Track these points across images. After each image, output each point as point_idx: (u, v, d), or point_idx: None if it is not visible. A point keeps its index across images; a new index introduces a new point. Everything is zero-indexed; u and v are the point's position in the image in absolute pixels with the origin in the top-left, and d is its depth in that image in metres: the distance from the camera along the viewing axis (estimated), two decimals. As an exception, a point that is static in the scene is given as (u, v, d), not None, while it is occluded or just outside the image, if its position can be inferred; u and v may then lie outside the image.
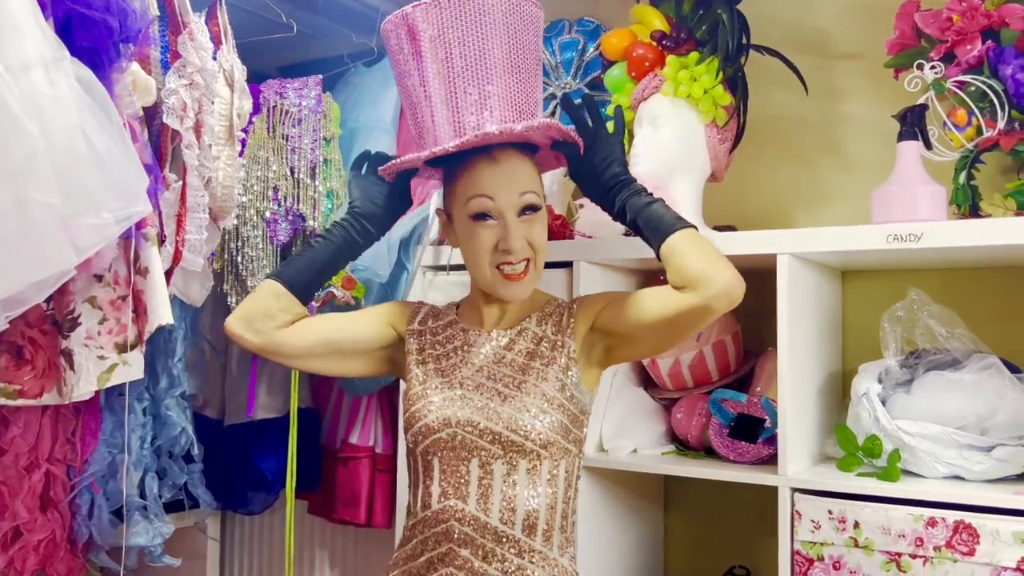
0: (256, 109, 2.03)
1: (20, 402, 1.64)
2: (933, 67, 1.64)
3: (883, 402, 1.65)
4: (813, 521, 1.59)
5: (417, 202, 2.05)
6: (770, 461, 1.72)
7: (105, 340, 1.63)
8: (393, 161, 1.48)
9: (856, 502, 1.56)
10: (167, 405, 2.02)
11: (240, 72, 1.85)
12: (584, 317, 1.43)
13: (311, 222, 2.06)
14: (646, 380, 2.03)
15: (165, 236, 1.71)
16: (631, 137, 1.89)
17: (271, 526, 2.56)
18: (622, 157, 1.44)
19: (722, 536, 2.08)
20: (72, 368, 1.62)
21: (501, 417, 1.35)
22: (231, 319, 1.46)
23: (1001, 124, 1.60)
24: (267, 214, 2.07)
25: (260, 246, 2.07)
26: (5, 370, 1.63)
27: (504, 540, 1.34)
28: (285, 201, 2.07)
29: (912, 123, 1.65)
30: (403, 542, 1.43)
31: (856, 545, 1.55)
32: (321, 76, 2.14)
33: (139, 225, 1.61)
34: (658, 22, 1.90)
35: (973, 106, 1.61)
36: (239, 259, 2.07)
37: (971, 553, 1.46)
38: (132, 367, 1.66)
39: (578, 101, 1.47)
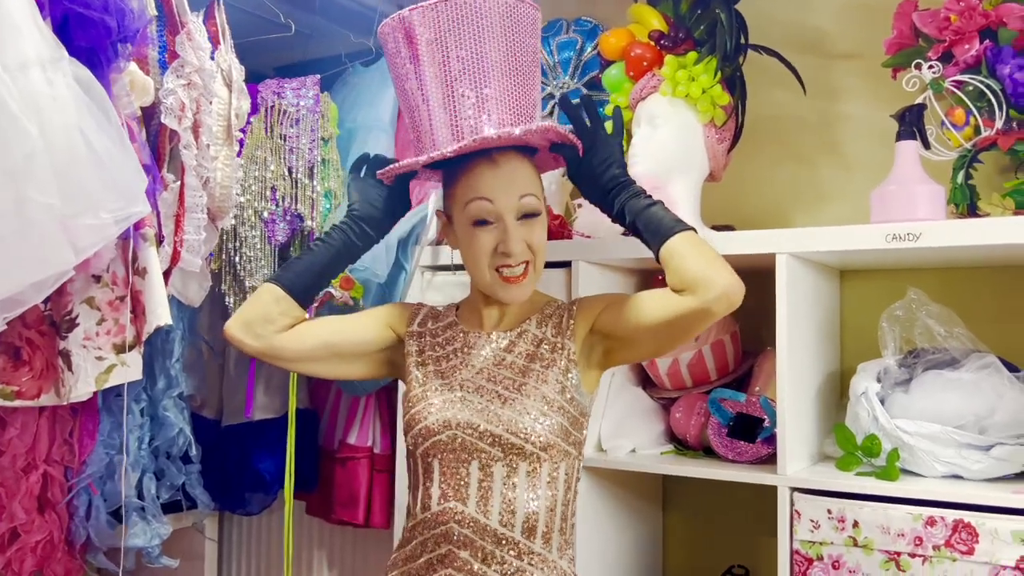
0: (254, 109, 2.03)
1: (18, 403, 1.64)
2: (931, 67, 1.64)
3: (882, 401, 1.65)
4: (812, 520, 1.59)
5: (415, 202, 2.04)
6: (769, 460, 1.72)
7: (103, 341, 1.63)
8: (392, 165, 1.47)
9: (855, 501, 1.56)
10: (165, 406, 2.02)
11: (238, 72, 1.84)
12: (584, 319, 1.43)
13: (309, 222, 2.06)
14: (645, 380, 2.03)
15: (163, 236, 1.71)
16: (629, 137, 1.89)
17: (269, 527, 2.56)
18: (621, 158, 1.44)
19: (721, 536, 2.08)
20: (70, 369, 1.62)
21: (501, 419, 1.35)
22: (230, 323, 1.45)
23: (999, 123, 1.60)
24: (265, 214, 2.06)
25: (258, 246, 2.07)
26: (3, 371, 1.62)
27: (503, 542, 1.34)
28: (283, 201, 2.07)
29: (910, 123, 1.65)
30: (402, 543, 1.43)
31: (855, 544, 1.55)
32: (319, 76, 2.14)
33: (137, 225, 1.60)
34: (656, 22, 1.90)
35: (971, 105, 1.62)
36: (237, 259, 2.07)
37: (970, 552, 1.46)
38: (130, 368, 1.65)
39: (576, 101, 1.46)
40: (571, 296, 1.80)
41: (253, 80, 1.99)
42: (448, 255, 2.02)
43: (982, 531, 1.45)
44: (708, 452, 1.86)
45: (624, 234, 1.75)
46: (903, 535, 1.51)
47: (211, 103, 1.76)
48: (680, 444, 1.94)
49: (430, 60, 1.40)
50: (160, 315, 1.62)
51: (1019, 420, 1.57)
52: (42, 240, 1.38)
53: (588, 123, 1.44)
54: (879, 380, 1.68)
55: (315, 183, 2.07)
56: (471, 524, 1.34)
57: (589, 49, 2.26)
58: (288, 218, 2.07)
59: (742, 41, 1.84)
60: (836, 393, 1.89)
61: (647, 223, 1.37)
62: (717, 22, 1.81)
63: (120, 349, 1.64)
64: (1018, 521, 1.44)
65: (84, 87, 1.42)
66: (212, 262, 1.99)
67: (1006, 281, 1.82)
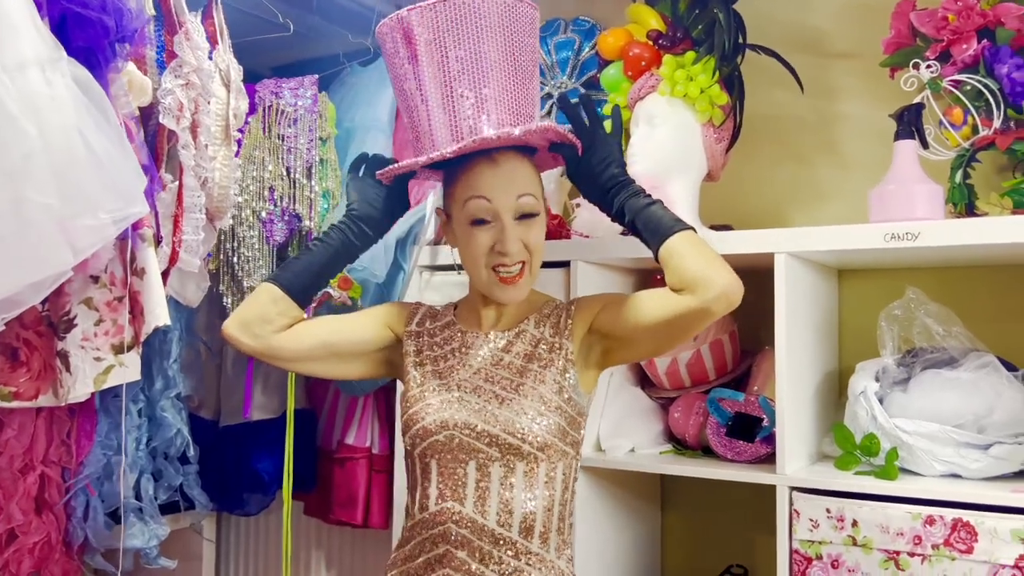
0: (252, 109, 2.03)
1: (15, 404, 1.63)
2: (929, 66, 1.65)
3: (880, 401, 1.65)
4: (811, 520, 1.59)
5: (414, 202, 2.04)
6: (768, 460, 1.72)
7: (101, 341, 1.62)
8: (391, 166, 1.47)
9: (854, 500, 1.56)
10: (162, 406, 2.02)
11: (236, 72, 1.84)
12: (582, 319, 1.43)
13: (307, 222, 2.06)
14: (643, 379, 2.03)
15: (161, 237, 1.70)
16: (627, 137, 1.89)
17: (267, 527, 2.56)
18: (620, 158, 1.44)
19: (720, 535, 2.08)
20: (68, 370, 1.61)
21: (498, 420, 1.35)
22: (228, 323, 1.45)
23: (997, 123, 1.61)
24: (263, 214, 2.06)
25: (256, 246, 2.06)
26: (0, 372, 1.62)
27: (501, 542, 1.34)
28: (281, 201, 2.06)
29: (908, 122, 1.65)
30: (401, 543, 1.43)
31: (854, 543, 1.55)
32: (317, 76, 2.14)
33: (136, 226, 1.60)
34: (654, 21, 1.90)
35: (969, 105, 1.62)
36: (235, 259, 2.07)
37: (969, 551, 1.46)
38: (129, 368, 1.65)
39: (575, 101, 1.46)
40: (569, 296, 1.80)
41: (251, 80, 1.99)
42: (447, 255, 2.02)
43: (981, 530, 1.46)
44: (707, 452, 1.86)
45: (623, 233, 1.76)
46: (902, 534, 1.51)
47: (209, 103, 1.76)
48: (679, 444, 1.94)
49: (429, 60, 1.40)
50: (158, 315, 1.61)
51: (1017, 419, 1.58)
52: (40, 240, 1.38)
53: (587, 122, 1.45)
54: (878, 379, 1.68)
55: (313, 183, 2.07)
56: (469, 524, 1.34)
57: (587, 49, 2.26)
58: (286, 218, 2.06)
59: (740, 41, 1.84)
60: (835, 392, 1.90)
61: (646, 222, 1.37)
62: (715, 22, 1.81)
63: (118, 350, 1.63)
64: (1017, 520, 1.44)
65: (83, 87, 1.42)
66: (210, 262, 1.99)
67: (1004, 280, 1.82)
